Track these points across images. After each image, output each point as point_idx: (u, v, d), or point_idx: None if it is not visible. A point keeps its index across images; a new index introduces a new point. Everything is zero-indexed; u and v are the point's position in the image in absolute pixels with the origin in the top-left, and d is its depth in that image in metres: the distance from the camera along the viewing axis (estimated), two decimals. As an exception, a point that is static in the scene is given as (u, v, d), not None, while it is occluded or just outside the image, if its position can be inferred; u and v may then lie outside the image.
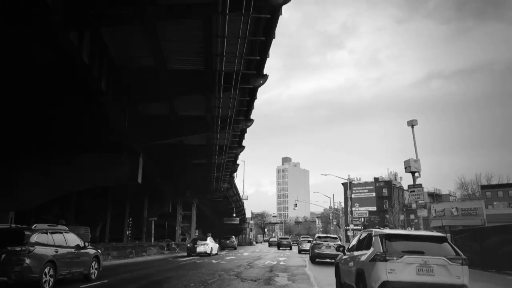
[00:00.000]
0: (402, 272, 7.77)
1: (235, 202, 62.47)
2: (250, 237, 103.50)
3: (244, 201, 74.95)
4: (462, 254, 8.18)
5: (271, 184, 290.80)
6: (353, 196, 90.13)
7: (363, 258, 8.68)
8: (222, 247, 43.13)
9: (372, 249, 8.48)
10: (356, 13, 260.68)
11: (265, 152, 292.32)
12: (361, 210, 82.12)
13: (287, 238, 59.99)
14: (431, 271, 7.76)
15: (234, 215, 64.18)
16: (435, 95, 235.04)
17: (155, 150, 26.03)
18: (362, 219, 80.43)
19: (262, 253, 37.42)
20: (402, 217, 79.36)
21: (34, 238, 10.96)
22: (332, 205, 73.37)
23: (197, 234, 61.02)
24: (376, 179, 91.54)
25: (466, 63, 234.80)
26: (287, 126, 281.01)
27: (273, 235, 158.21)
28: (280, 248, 51.27)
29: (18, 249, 10.37)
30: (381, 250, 8.10)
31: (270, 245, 71.69)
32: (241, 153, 32.97)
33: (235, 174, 41.98)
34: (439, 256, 7.93)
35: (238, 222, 77.67)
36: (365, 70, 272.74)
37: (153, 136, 22.32)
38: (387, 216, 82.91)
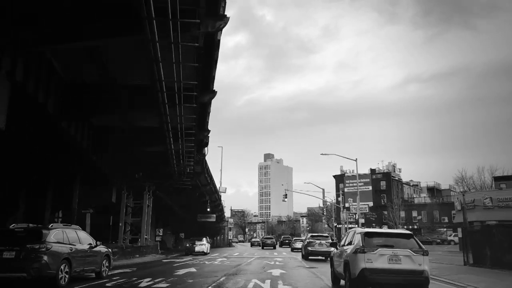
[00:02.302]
0: (377, 261, 10.05)
1: (209, 193, 50.86)
2: (229, 238, 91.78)
3: (222, 195, 63.63)
4: (424, 247, 10.45)
5: (252, 186, 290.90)
6: (346, 190, 79.66)
7: (348, 251, 11.00)
8: (186, 253, 36.15)
9: (355, 244, 10.78)
10: (337, 16, 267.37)
11: (246, 153, 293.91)
12: (360, 205, 71.34)
13: (271, 238, 59.05)
14: (399, 260, 10.06)
15: (209, 209, 52.48)
16: (412, 98, 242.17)
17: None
18: (356, 215, 70.15)
19: (242, 260, 26.42)
20: (402, 213, 69.12)
21: (51, 236, 11.58)
22: (324, 200, 62.61)
23: (161, 234, 49.35)
24: (372, 171, 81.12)
25: (443, 67, 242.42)
26: (269, 127, 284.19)
27: (254, 235, 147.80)
28: (264, 247, 51.76)
29: (37, 246, 10.90)
30: (361, 245, 10.36)
31: (252, 245, 70.53)
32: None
33: (206, 149, 30.61)
34: (405, 248, 10.20)
35: (214, 220, 66.01)
36: (346, 73, 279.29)
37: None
38: (385, 212, 72.75)
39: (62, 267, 11.41)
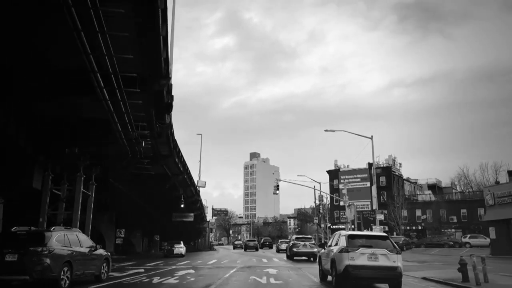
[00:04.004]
0: (358, 259, 11.52)
1: (183, 186, 41.88)
2: (210, 240, 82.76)
3: (205, 196, 54.73)
4: (397, 247, 12.11)
5: (237, 188, 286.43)
6: (341, 186, 71.41)
7: (334, 251, 12.54)
8: (165, 255, 38.42)
9: (340, 245, 12.44)
10: (323, 21, 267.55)
11: (232, 155, 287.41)
12: (361, 203, 62.95)
13: (254, 241, 60.55)
14: (377, 258, 11.59)
15: (183, 206, 43.45)
16: (397, 102, 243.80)
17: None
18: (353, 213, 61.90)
19: (217, 273, 17.84)
20: (405, 212, 61.10)
21: (53, 239, 11.56)
22: (320, 195, 54.39)
23: (122, 235, 40.15)
24: (370, 165, 72.69)
25: (427, 73, 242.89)
26: (255, 130, 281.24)
27: (239, 237, 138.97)
28: (247, 249, 53.22)
29: (39, 249, 10.90)
30: (345, 245, 11.91)
31: (235, 247, 71.50)
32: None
33: (169, 116, 21.81)
34: (382, 248, 11.77)
35: (192, 220, 56.99)
36: (331, 77, 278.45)
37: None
38: (386, 212, 64.68)
39: (64, 270, 11.41)
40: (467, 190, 72.94)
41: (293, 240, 30.01)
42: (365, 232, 18.86)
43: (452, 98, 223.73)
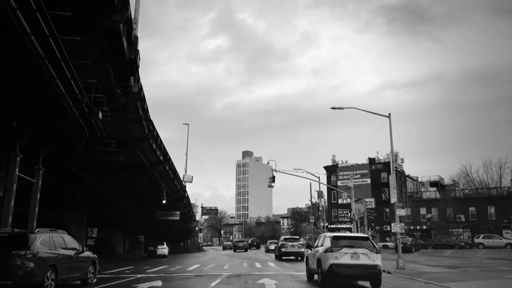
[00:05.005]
0: (342, 258, 12.41)
1: (165, 179, 36.73)
2: (199, 241, 77.65)
3: (192, 191, 49.74)
4: (377, 247, 13.09)
5: (229, 189, 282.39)
6: (339, 184, 66.74)
7: (320, 251, 13.42)
8: (149, 255, 39.51)
9: (325, 245, 13.30)
10: (316, 23, 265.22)
11: (224, 156, 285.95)
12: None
13: (243, 241, 61.20)
14: (358, 257, 12.47)
15: (164, 201, 38.29)
16: (388, 103, 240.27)
17: None
18: (362, 210, 58.06)
19: (199, 279, 14.29)
20: (408, 211, 56.32)
21: (38, 241, 10.98)
22: (319, 190, 49.62)
23: (95, 235, 34.81)
24: (371, 160, 67.83)
25: (418, 74, 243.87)
26: (248, 130, 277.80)
27: (231, 237, 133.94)
28: (236, 250, 53.88)
29: (23, 253, 10.33)
30: (330, 246, 12.81)
31: (224, 248, 71.99)
32: None
33: (136, 79, 16.81)
34: (363, 248, 12.67)
35: (178, 218, 51.96)
36: (324, 78, 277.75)
37: None
38: (387, 210, 60.08)
39: (48, 274, 10.87)
40: (469, 188, 68.80)
41: (281, 240, 31.55)
42: (348, 234, 20.86)
43: (444, 99, 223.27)
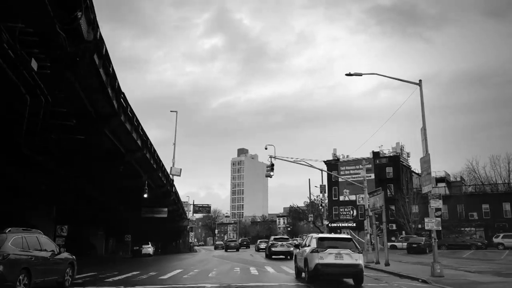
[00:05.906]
0: (327, 258, 13.25)
1: (148, 170, 32.00)
2: (191, 241, 72.87)
3: (186, 190, 45.36)
4: (359, 248, 13.98)
5: (224, 188, 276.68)
6: (340, 179, 62.19)
7: (307, 251, 14.21)
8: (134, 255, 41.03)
9: (311, 246, 14.14)
10: (313, 23, 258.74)
11: (220, 155, 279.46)
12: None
13: (235, 241, 62.31)
14: (342, 257, 13.32)
15: (146, 195, 33.54)
16: (384, 104, 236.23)
17: None
18: (380, 203, 54.06)
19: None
20: (415, 208, 51.86)
21: (9, 242, 10.17)
22: (322, 184, 45.04)
23: (65, 233, 29.99)
24: (376, 154, 62.94)
25: (411, 76, 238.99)
26: (244, 130, 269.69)
27: (225, 237, 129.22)
28: (228, 250, 54.25)
29: None
30: (316, 246, 13.70)
31: (216, 248, 72.06)
32: None
33: (102, 42, 12.29)
34: (346, 248, 13.56)
35: (166, 215, 47.20)
36: (321, 78, 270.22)
37: None
38: (393, 207, 55.60)
39: (20, 277, 9.96)
40: (476, 184, 64.70)
41: (272, 240, 33.43)
42: (332, 235, 23.19)
43: (437, 101, 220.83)
